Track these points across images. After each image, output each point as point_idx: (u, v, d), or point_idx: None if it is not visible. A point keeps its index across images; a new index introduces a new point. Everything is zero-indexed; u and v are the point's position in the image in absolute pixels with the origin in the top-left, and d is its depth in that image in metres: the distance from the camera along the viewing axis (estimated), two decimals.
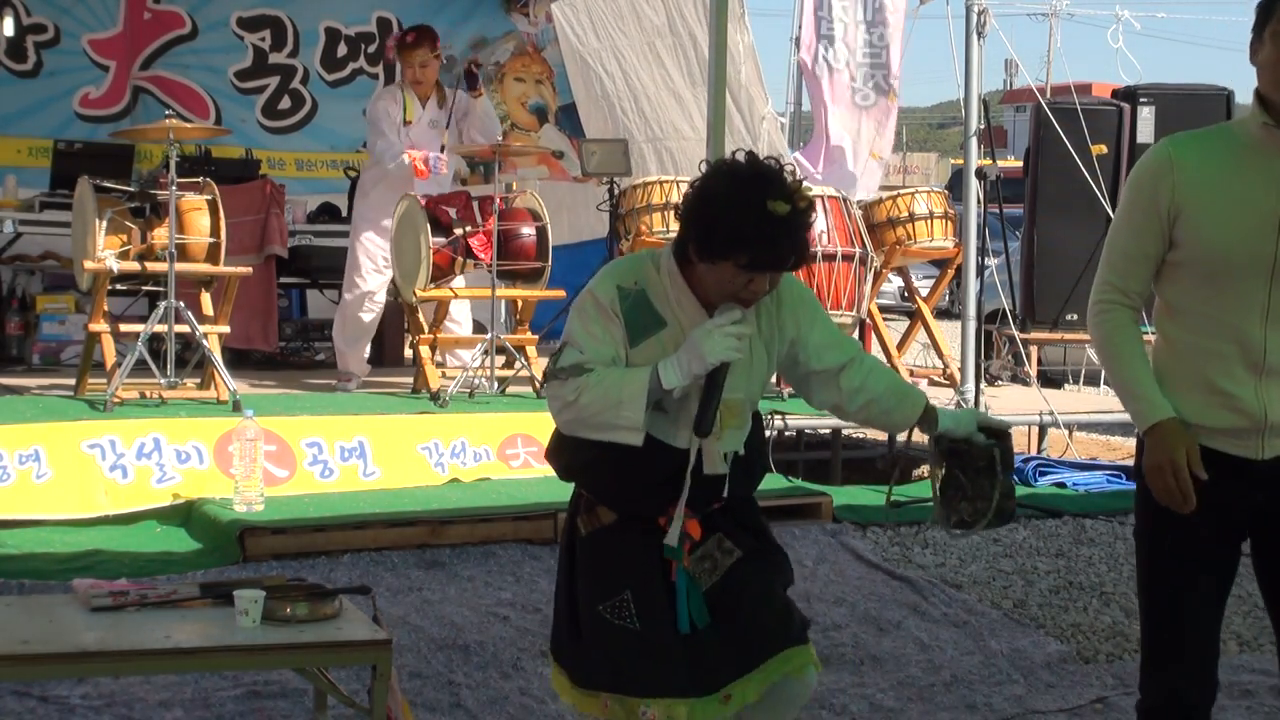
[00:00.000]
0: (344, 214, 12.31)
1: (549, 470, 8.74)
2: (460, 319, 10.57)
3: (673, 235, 10.24)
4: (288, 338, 12.02)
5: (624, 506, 4.07)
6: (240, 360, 10.88)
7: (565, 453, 4.15)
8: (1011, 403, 10.85)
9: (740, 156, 3.98)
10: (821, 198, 10.33)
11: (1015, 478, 9.22)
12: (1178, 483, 3.91)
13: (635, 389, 3.85)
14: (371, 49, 13.69)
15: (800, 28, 13.54)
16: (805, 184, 3.91)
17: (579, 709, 4.17)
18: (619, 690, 4.02)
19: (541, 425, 8.94)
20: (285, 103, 13.44)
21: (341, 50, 13.64)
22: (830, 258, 10.03)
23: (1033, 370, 11.52)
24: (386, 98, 10.38)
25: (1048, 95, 14.83)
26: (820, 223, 10.09)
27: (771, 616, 4.14)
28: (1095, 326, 4.13)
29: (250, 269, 9.73)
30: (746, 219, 3.81)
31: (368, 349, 10.69)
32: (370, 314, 10.49)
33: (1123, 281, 4.06)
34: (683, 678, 3.99)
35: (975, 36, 11.05)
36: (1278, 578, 4.12)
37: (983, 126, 10.97)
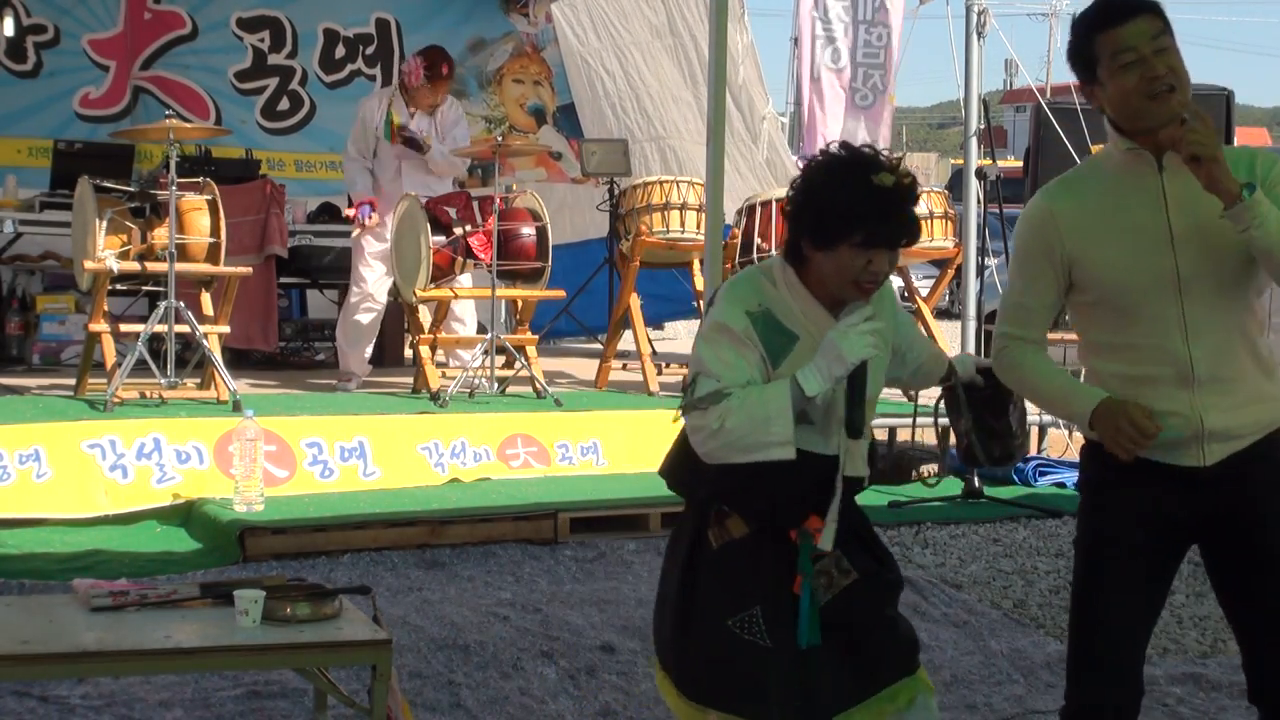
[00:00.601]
0: (344, 214, 12.32)
1: (549, 470, 8.82)
2: (465, 318, 10.58)
3: (672, 235, 10.31)
4: (288, 338, 12.02)
5: (769, 520, 3.99)
6: (240, 360, 10.89)
7: (704, 474, 3.99)
8: None
9: (834, 148, 3.98)
10: None
11: (1016, 477, 9.26)
12: (1137, 427, 3.92)
13: (780, 403, 3.80)
14: (370, 50, 13.69)
15: (799, 28, 13.56)
16: (891, 162, 3.90)
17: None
18: (733, 711, 3.95)
19: (540, 426, 8.99)
20: (284, 104, 13.44)
21: (340, 51, 13.63)
22: None
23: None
24: (370, 104, 10.50)
25: (1048, 95, 14.83)
26: None
27: (880, 646, 4.09)
28: (1004, 370, 4.23)
29: (250, 269, 9.73)
30: (856, 196, 3.81)
31: (369, 349, 10.69)
32: (371, 314, 10.50)
33: (1022, 331, 4.14)
34: (798, 702, 3.93)
35: (975, 36, 11.05)
36: (1233, 584, 4.13)
37: (983, 126, 10.96)
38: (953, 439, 4.57)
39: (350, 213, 10.38)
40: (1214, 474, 3.98)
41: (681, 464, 4.10)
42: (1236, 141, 10.82)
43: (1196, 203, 3.88)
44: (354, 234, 10.47)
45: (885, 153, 3.92)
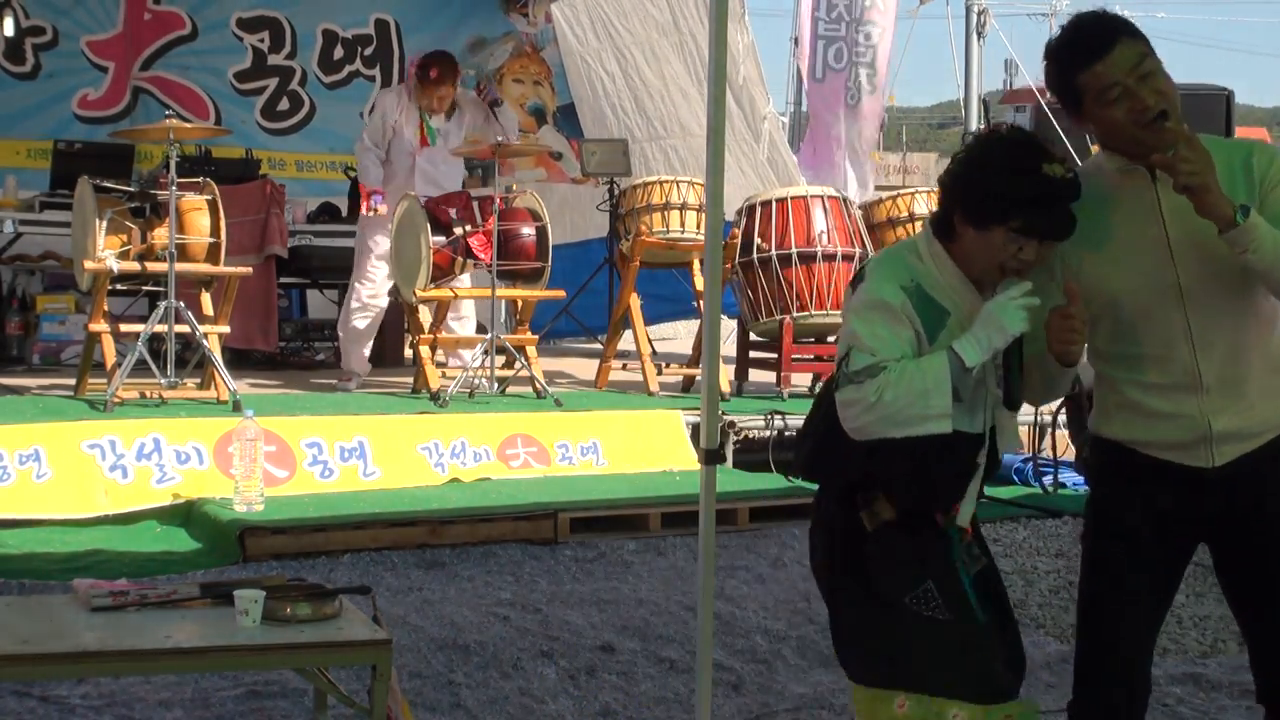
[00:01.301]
0: (344, 214, 12.32)
1: (549, 470, 8.82)
2: (465, 318, 10.59)
3: (672, 235, 10.30)
4: (288, 338, 12.02)
5: (922, 502, 3.95)
6: (240, 360, 10.88)
7: (851, 459, 3.93)
8: None
9: (1004, 130, 3.95)
10: (821, 198, 10.34)
11: (1016, 477, 9.25)
12: (1075, 322, 3.88)
13: (939, 374, 3.77)
14: (369, 51, 13.69)
15: (800, 28, 13.57)
16: (1059, 155, 3.86)
17: (862, 713, 4.04)
18: (922, 689, 3.91)
19: (540, 426, 8.98)
20: (284, 104, 13.44)
21: (339, 52, 13.63)
22: (830, 258, 10.04)
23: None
24: (389, 98, 10.50)
25: (1048, 95, 14.80)
26: (820, 223, 10.11)
27: (1017, 644, 4.11)
28: None
29: (250, 269, 9.74)
30: (1022, 180, 3.77)
31: (369, 349, 10.69)
32: (372, 314, 10.50)
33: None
34: (988, 672, 3.93)
35: (975, 36, 11.09)
36: (1243, 584, 4.13)
37: (983, 126, 10.96)
38: (1069, 451, 4.52)
39: (369, 202, 10.37)
40: (1223, 474, 3.97)
41: (825, 450, 4.03)
42: None
43: (1192, 213, 3.87)
44: (363, 214, 10.46)
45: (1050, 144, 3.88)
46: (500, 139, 9.81)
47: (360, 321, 10.48)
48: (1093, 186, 3.92)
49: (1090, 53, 3.82)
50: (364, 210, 10.43)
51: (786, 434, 9.80)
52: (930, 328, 3.85)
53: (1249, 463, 3.97)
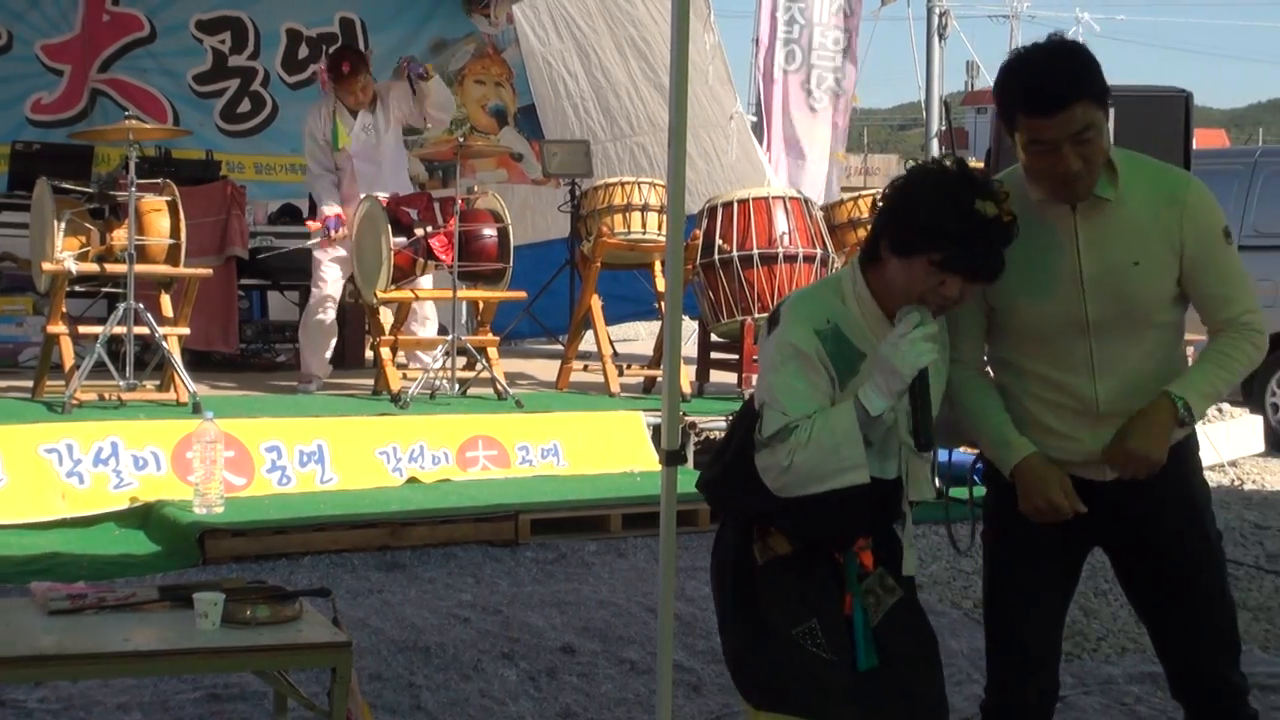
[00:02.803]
0: (305, 215, 12.28)
1: (508, 472, 8.79)
2: (427, 319, 10.57)
3: (633, 236, 10.30)
4: (248, 339, 11.98)
5: (822, 543, 3.92)
6: (200, 362, 10.84)
7: (754, 497, 3.88)
8: None
9: (948, 162, 3.87)
10: (782, 199, 10.36)
11: (976, 478, 9.28)
12: (1053, 506, 3.99)
13: (846, 427, 3.72)
14: (333, 50, 13.64)
15: (759, 29, 13.59)
16: (1001, 194, 3.75)
17: None
18: (807, 716, 3.87)
19: (501, 427, 8.98)
20: (245, 105, 13.39)
21: (303, 52, 13.59)
22: (792, 259, 10.05)
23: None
24: (312, 118, 10.48)
25: None
26: (782, 224, 10.12)
27: (923, 691, 4.01)
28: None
29: (210, 270, 9.70)
30: (950, 212, 3.70)
31: (330, 350, 10.65)
32: (332, 315, 10.47)
33: (956, 350, 4.06)
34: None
35: (936, 38, 11.13)
36: (1142, 587, 4.23)
37: (944, 128, 11.04)
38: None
39: (313, 224, 10.33)
40: (1110, 490, 4.05)
41: (728, 483, 4.02)
42: (1196, 143, 10.86)
43: (1107, 247, 3.88)
44: (313, 241, 10.44)
45: (998, 184, 3.80)
46: (432, 113, 9.80)
47: (320, 323, 10.44)
48: (1017, 201, 3.86)
49: (1043, 108, 3.77)
50: (316, 231, 10.37)
51: None
52: (842, 371, 3.80)
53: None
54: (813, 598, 3.90)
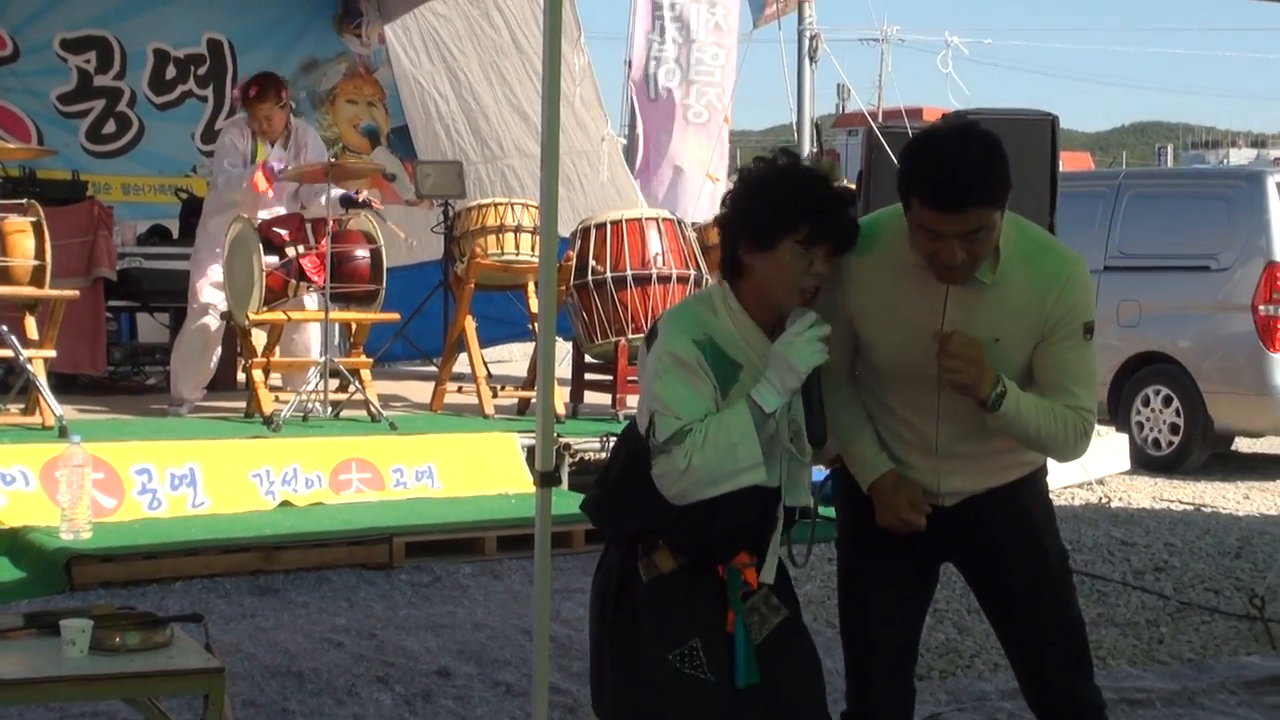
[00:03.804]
0: (175, 236, 12.15)
1: (382, 495, 8.73)
2: (309, 341, 10.46)
3: (506, 257, 10.26)
4: (117, 362, 11.84)
5: (701, 555, 3.92)
6: (67, 385, 10.68)
7: (636, 509, 3.92)
8: None
9: (770, 154, 3.94)
10: (655, 220, 10.40)
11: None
12: (905, 522, 4.11)
13: (743, 426, 3.74)
14: (202, 71, 13.52)
15: (633, 50, 13.63)
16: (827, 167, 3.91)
17: None
18: None
19: (375, 449, 8.92)
20: (110, 126, 13.22)
21: (170, 72, 13.45)
22: (665, 279, 10.08)
23: None
24: (234, 131, 10.31)
25: (879, 119, 15.04)
26: (655, 245, 10.15)
27: (804, 712, 4.03)
28: None
29: (77, 292, 9.56)
30: (800, 190, 3.78)
31: (203, 373, 10.49)
32: (206, 338, 10.34)
33: (834, 375, 4.07)
34: None
35: (808, 61, 11.20)
36: (989, 609, 4.39)
37: (815, 150, 11.09)
38: None
39: (261, 179, 9.95)
40: (953, 512, 4.18)
41: (613, 502, 4.03)
42: (1062, 166, 11.02)
43: (972, 322, 3.95)
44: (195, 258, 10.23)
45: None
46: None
47: (204, 329, 10.29)
48: (897, 243, 3.94)
49: (939, 204, 3.78)
50: (259, 187, 9.99)
51: None
52: (722, 381, 3.83)
53: (976, 501, 4.18)
54: (698, 615, 3.91)
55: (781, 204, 3.78)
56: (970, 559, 4.32)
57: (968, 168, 3.77)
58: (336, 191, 9.83)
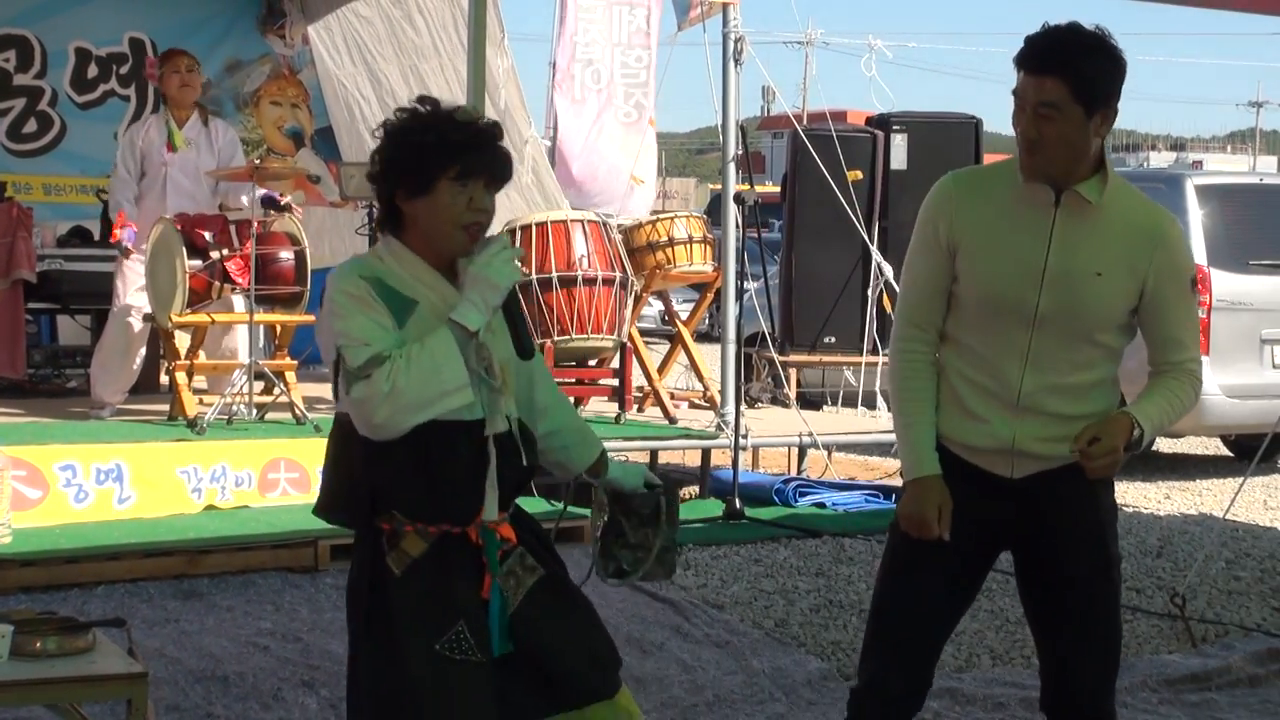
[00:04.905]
0: (96, 238, 12.03)
1: (309, 497, 8.66)
2: (239, 344, 10.39)
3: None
4: (37, 365, 11.71)
5: (438, 513, 3.79)
6: None
7: (362, 486, 3.81)
8: (771, 424, 10.98)
9: (409, 103, 3.96)
10: (581, 222, 10.39)
11: (776, 498, 9.23)
12: (922, 535, 4.13)
13: (445, 347, 3.69)
14: (124, 70, 13.40)
15: (556, 51, 13.61)
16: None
17: None
18: None
19: (302, 450, 8.87)
20: (32, 125, 13.07)
21: (92, 71, 13.31)
22: (590, 282, 10.08)
23: (792, 392, 11.70)
24: (138, 131, 10.31)
25: (804, 122, 15.07)
26: (580, 247, 10.14)
27: (575, 660, 3.93)
28: (893, 361, 4.29)
29: None
30: (444, 128, 3.81)
31: (125, 376, 10.39)
32: (128, 341, 10.25)
33: (918, 315, 4.20)
34: (490, 714, 3.77)
35: (733, 63, 11.21)
36: (1039, 596, 4.31)
37: (740, 152, 11.11)
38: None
39: (117, 233, 10.06)
40: (1021, 487, 4.14)
41: (339, 488, 3.93)
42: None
43: (1078, 250, 4.01)
44: (119, 259, 10.22)
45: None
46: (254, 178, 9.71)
47: (115, 349, 10.21)
48: (1005, 184, 4.08)
49: (1022, 63, 3.96)
50: (112, 240, 10.19)
51: None
52: (399, 315, 3.78)
53: (1047, 480, 4.14)
54: (457, 595, 3.81)
55: (430, 146, 3.81)
56: (1031, 542, 4.24)
57: (1061, 38, 3.94)
58: (260, 192, 9.81)
